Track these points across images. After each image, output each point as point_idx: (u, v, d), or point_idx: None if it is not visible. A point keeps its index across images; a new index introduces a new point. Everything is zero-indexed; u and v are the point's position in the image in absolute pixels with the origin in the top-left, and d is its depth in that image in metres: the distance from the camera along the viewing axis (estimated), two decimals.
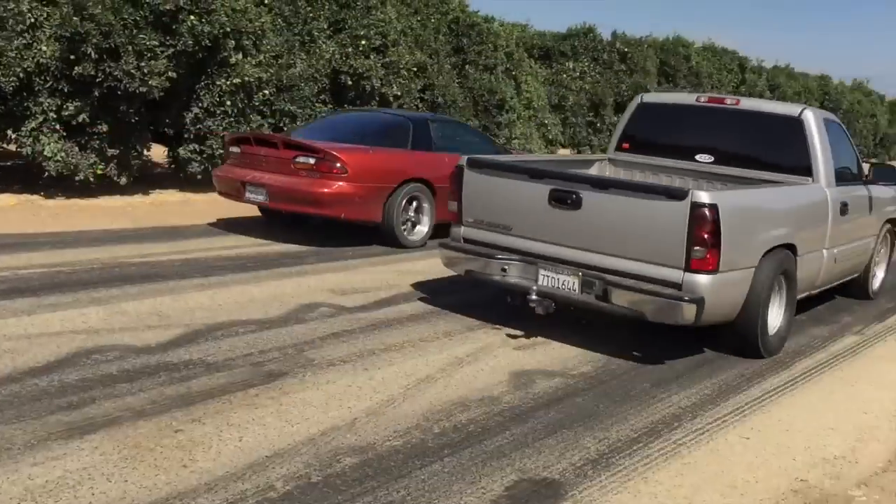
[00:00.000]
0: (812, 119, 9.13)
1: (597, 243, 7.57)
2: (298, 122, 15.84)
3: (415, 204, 11.86)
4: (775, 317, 8.19)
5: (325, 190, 10.91)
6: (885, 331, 9.68)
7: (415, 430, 5.76)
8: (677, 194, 7.20)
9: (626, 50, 29.27)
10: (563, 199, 7.73)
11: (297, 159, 11.09)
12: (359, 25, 17.27)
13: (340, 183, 10.97)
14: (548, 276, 7.76)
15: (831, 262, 9.19)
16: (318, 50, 16.50)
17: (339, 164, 10.97)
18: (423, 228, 11.95)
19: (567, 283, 7.66)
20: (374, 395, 6.29)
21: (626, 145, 10.24)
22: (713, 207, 7.12)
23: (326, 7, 17.26)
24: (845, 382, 7.68)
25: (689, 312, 7.16)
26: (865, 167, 10.37)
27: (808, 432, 6.41)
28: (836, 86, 45.97)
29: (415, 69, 18.38)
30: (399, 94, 17.70)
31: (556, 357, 7.56)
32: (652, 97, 10.29)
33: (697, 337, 8.43)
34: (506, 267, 7.97)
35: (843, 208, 9.23)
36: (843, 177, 9.45)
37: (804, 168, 9.05)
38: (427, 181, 11.86)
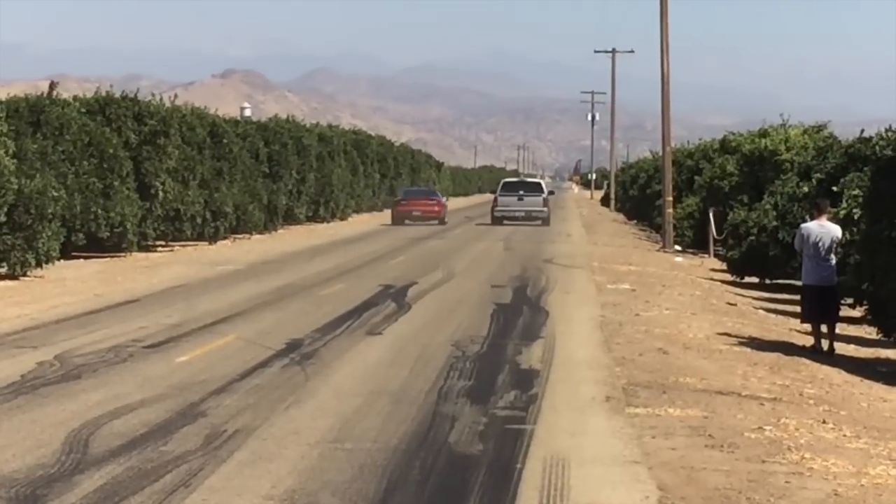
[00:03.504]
0: (543, 181, 49.74)
1: (527, 205, 46.96)
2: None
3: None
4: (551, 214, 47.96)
5: (438, 209, 48.71)
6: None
7: None
8: (541, 194, 47.11)
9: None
10: (520, 198, 47.29)
11: (430, 200, 48.87)
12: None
13: (441, 208, 48.87)
14: (519, 213, 47.02)
15: (549, 208, 49.03)
16: None
17: (438, 201, 48.89)
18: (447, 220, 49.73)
19: (523, 213, 46.98)
20: None
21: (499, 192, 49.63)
22: (546, 197, 46.95)
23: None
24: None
25: (547, 213, 47.03)
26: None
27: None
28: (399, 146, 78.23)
29: None
30: None
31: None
32: (506, 178, 50.29)
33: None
34: (510, 214, 47.20)
35: (549, 199, 49.06)
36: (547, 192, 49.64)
37: (542, 191, 48.86)
38: (444, 205, 49.89)
